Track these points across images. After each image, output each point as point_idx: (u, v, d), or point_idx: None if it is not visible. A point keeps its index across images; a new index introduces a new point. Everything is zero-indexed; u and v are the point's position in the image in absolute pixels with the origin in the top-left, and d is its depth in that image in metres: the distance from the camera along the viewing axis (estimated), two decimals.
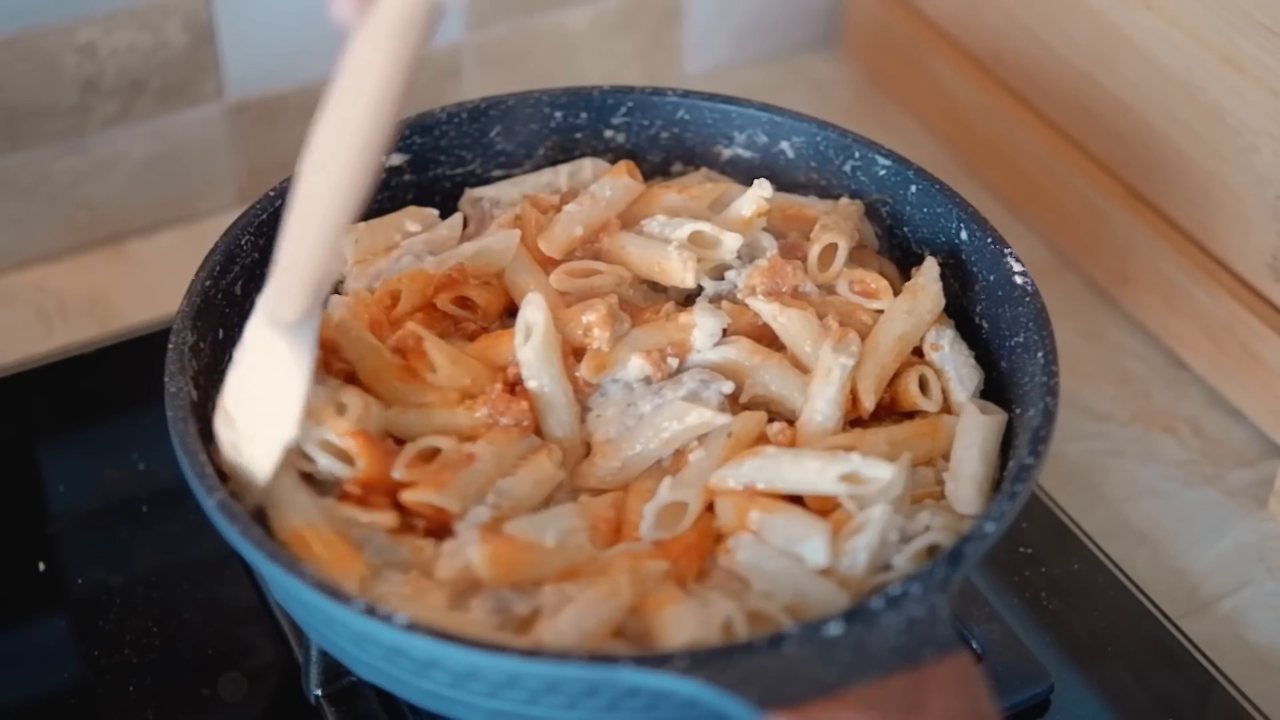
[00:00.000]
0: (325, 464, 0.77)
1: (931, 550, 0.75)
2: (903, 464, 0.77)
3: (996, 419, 0.81)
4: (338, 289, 0.89)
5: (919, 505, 0.78)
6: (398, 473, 0.76)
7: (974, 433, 0.80)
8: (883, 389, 0.82)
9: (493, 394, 0.80)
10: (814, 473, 0.77)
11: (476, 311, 0.86)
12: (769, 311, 0.84)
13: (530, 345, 0.80)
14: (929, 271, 0.86)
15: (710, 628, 0.71)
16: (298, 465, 0.77)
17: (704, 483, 0.77)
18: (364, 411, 0.77)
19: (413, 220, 0.91)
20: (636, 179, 0.91)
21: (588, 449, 0.81)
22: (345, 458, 0.77)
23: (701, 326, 0.83)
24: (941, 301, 0.86)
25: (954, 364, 0.84)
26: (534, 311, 0.81)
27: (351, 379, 0.81)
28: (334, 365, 0.81)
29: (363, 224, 0.90)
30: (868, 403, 0.81)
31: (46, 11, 1.05)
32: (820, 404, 0.80)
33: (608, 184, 0.90)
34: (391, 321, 0.84)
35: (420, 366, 0.81)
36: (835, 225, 0.88)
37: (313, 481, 0.78)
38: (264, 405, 0.76)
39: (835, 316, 0.84)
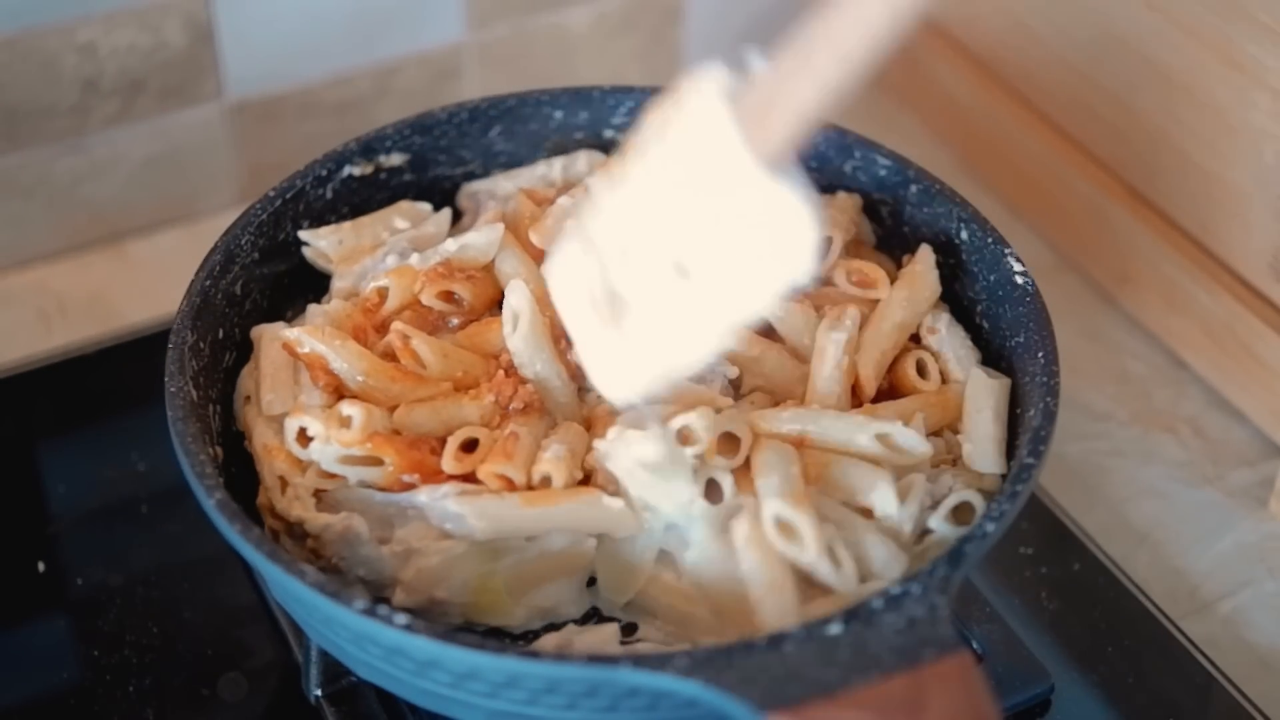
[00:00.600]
0: (356, 475, 0.77)
1: (960, 510, 0.76)
2: (918, 426, 0.78)
3: (1003, 382, 0.82)
4: (322, 295, 0.89)
5: (939, 470, 0.79)
6: (448, 466, 0.76)
7: (985, 395, 0.81)
8: (883, 373, 0.83)
9: (496, 380, 0.80)
10: (855, 425, 0.78)
11: (462, 306, 0.85)
12: None
13: (519, 334, 0.81)
14: (925, 259, 0.87)
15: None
16: (316, 484, 0.78)
17: (749, 423, 0.78)
18: (368, 417, 0.77)
19: (403, 217, 0.91)
20: None
21: (588, 428, 0.81)
22: (371, 461, 0.77)
23: None
24: (938, 288, 0.86)
25: (951, 345, 0.85)
26: (518, 299, 0.81)
27: (338, 391, 0.81)
28: (319, 379, 0.81)
29: (349, 223, 0.90)
30: (869, 387, 0.82)
31: (46, 11, 1.05)
32: (819, 382, 0.81)
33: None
34: (376, 326, 0.84)
35: (412, 364, 0.81)
36: (831, 219, 0.88)
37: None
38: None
39: (832, 308, 0.84)
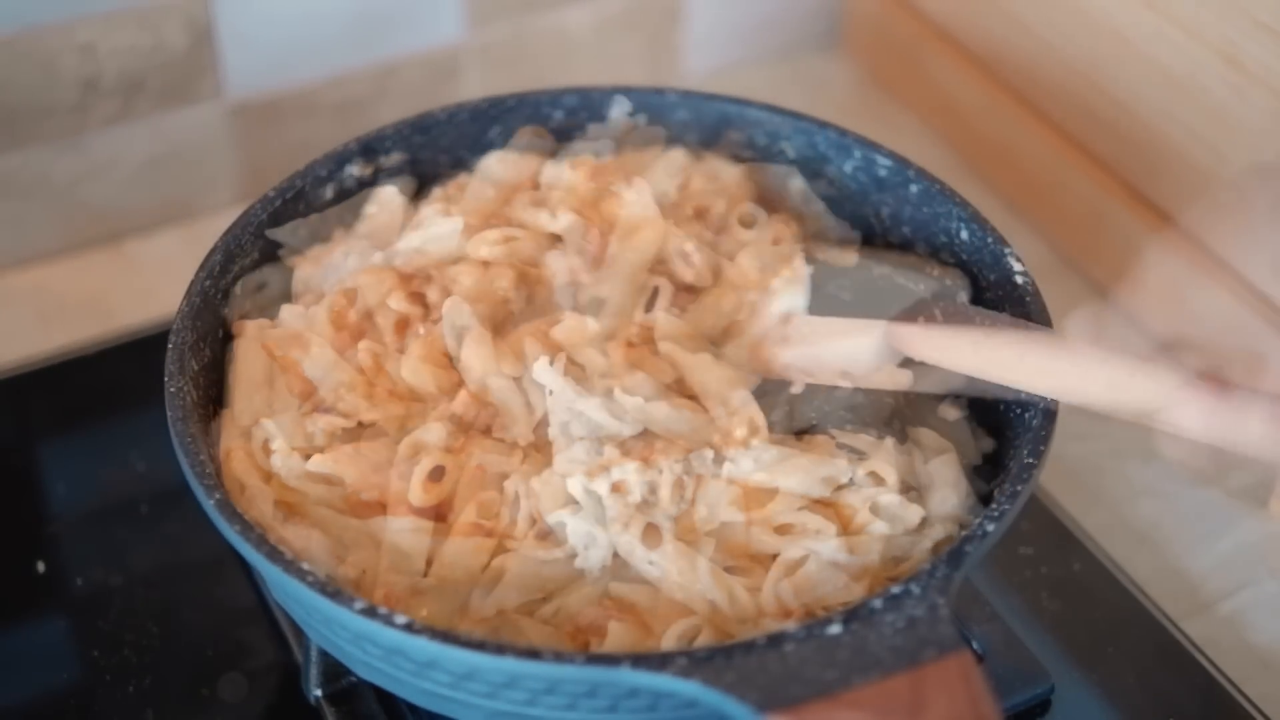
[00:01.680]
0: (317, 492, 0.77)
1: (938, 545, 0.76)
2: (889, 446, 0.78)
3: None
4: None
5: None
6: (415, 499, 0.76)
7: (948, 467, 0.80)
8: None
9: (460, 399, 0.79)
10: (804, 469, 0.76)
11: (430, 308, 0.84)
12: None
13: (465, 348, 0.80)
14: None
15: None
16: (277, 495, 0.77)
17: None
18: (332, 434, 0.77)
19: (373, 205, 0.90)
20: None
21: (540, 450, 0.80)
22: (333, 480, 0.77)
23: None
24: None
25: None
26: (456, 313, 0.81)
27: (309, 395, 0.80)
28: (295, 386, 0.80)
29: (316, 215, 0.89)
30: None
31: (46, 11, 1.05)
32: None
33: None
34: (353, 332, 0.83)
35: (380, 380, 0.81)
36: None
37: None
38: None
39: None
